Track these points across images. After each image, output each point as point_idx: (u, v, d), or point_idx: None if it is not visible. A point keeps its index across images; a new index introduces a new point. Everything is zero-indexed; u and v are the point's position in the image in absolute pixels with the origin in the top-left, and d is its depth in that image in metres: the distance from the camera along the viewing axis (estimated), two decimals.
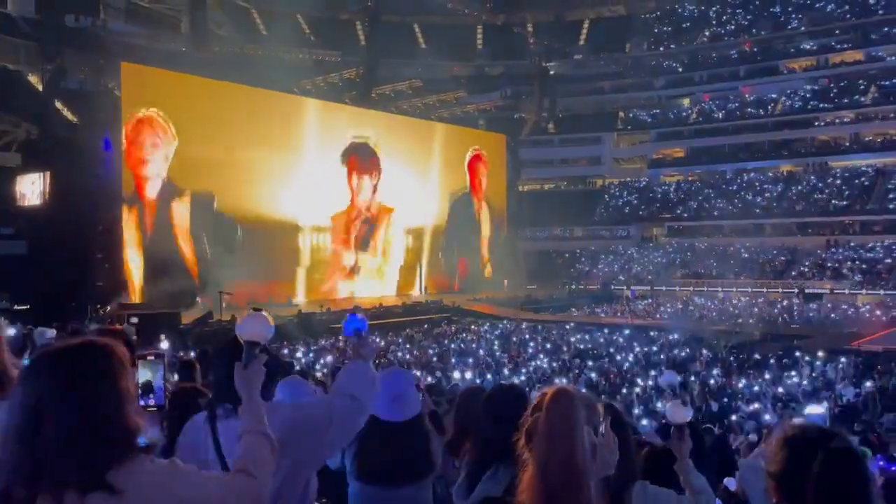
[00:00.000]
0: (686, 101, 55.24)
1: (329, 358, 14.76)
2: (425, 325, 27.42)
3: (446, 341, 22.52)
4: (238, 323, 1.86)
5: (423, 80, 48.03)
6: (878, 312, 30.90)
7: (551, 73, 57.30)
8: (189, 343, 16.36)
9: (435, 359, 17.21)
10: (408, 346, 21.01)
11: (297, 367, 9.65)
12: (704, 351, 19.62)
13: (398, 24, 52.15)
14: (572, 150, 54.84)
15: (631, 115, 55.83)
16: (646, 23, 59.00)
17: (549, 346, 21.10)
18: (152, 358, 1.94)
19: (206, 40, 35.05)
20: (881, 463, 4.50)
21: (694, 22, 58.11)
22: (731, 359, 18.88)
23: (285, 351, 17.10)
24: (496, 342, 22.12)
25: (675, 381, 5.33)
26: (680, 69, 56.23)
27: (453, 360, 17.09)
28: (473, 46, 58.52)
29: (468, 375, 13.55)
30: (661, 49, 57.96)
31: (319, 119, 34.86)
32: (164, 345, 12.15)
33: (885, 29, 48.55)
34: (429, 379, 12.84)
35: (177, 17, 36.58)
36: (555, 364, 17.07)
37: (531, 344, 21.28)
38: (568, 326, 26.62)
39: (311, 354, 17.09)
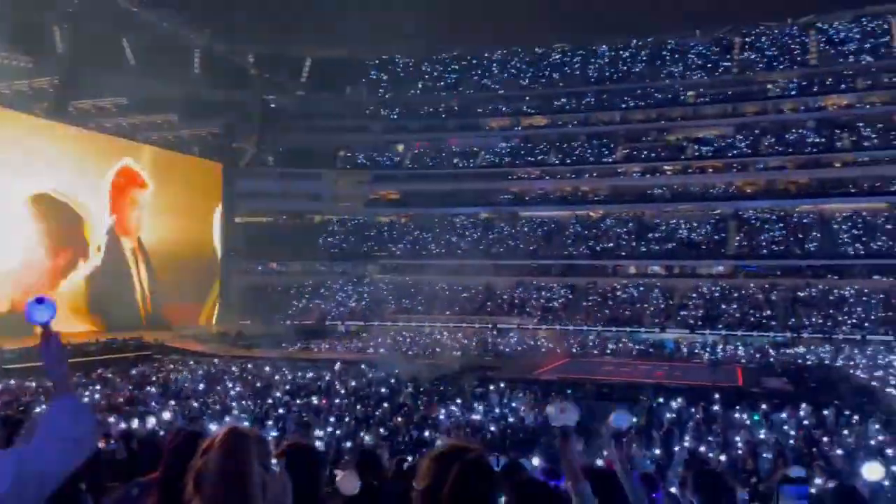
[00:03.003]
0: (400, 147, 58.72)
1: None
2: (122, 365, 24.97)
3: (144, 382, 20.74)
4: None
5: (129, 99, 44.40)
6: (555, 347, 35.28)
7: (272, 105, 56.87)
8: None
9: (128, 406, 15.65)
10: (99, 387, 18.88)
11: None
12: (410, 384, 20.65)
13: (105, 36, 47.65)
14: (292, 184, 54.42)
15: (350, 155, 57.63)
16: (365, 68, 61.76)
17: (259, 384, 20.54)
18: None
19: None
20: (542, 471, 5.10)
21: (408, 73, 62.25)
22: (433, 389, 20.15)
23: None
24: (202, 383, 20.90)
25: (355, 486, 3.78)
26: (395, 116, 59.66)
27: (153, 404, 15.79)
28: (189, 70, 55.64)
29: (167, 418, 12.60)
30: (379, 95, 61.02)
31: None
32: None
33: (564, 100, 56.97)
34: (122, 425, 11.70)
35: None
36: (261, 402, 16.66)
37: (239, 384, 20.50)
38: (280, 363, 26.17)
39: None
